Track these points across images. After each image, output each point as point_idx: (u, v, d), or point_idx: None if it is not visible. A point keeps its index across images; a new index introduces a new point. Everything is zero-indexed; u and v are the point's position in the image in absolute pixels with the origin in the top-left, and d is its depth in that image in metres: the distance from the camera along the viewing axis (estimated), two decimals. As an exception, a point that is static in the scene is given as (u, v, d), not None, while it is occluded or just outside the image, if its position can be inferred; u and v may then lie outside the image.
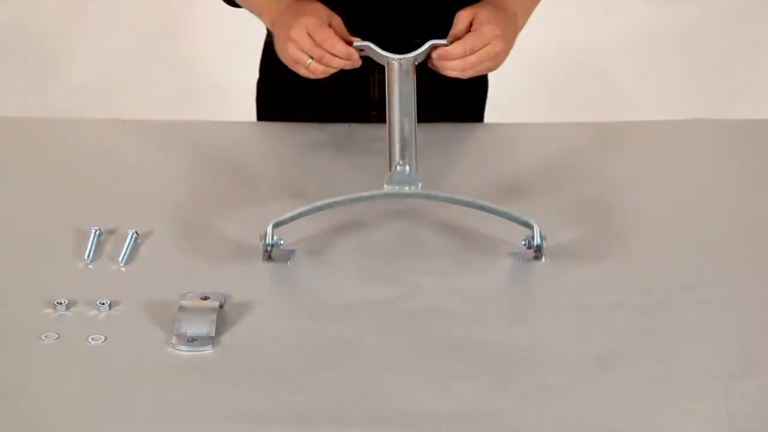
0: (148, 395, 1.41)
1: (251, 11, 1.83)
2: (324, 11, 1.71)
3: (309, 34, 1.67)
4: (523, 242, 1.59)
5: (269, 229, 1.58)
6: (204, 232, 1.69)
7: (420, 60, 1.66)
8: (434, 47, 1.64)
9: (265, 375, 1.45)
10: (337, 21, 1.70)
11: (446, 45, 1.64)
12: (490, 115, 2.02)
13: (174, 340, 1.47)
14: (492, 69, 1.71)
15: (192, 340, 1.47)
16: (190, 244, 1.66)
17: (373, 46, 1.65)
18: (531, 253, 1.59)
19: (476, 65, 1.66)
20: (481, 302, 1.56)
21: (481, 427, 1.37)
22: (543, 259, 1.56)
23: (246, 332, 1.51)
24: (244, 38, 2.26)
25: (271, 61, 2.00)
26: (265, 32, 2.00)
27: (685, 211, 1.74)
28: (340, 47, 1.66)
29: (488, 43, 1.65)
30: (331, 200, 1.61)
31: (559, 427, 1.37)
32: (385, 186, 1.62)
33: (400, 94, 1.62)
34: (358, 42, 1.67)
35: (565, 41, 3.80)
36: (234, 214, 1.73)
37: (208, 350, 1.46)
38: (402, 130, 1.62)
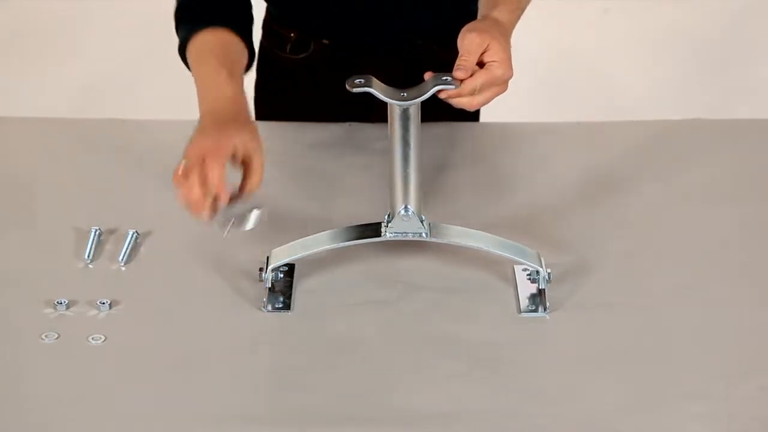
0: (148, 395, 1.41)
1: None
2: (248, 134, 1.53)
3: (203, 155, 1.49)
4: (528, 276, 1.59)
5: (269, 274, 1.54)
6: (204, 232, 1.68)
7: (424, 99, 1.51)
8: (441, 89, 1.49)
9: (265, 375, 1.45)
10: (259, 156, 1.53)
11: (453, 87, 1.48)
12: (489, 114, 2.02)
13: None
14: None
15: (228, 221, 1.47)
16: (190, 244, 1.66)
17: (373, 90, 1.48)
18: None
19: (482, 104, 1.54)
20: (481, 302, 1.56)
21: (481, 427, 1.37)
22: (548, 305, 1.55)
23: (246, 332, 1.51)
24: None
25: (267, 62, 2.00)
26: (261, 33, 2.00)
27: (684, 210, 1.74)
28: (213, 182, 1.46)
29: (497, 85, 1.52)
30: (331, 245, 1.55)
31: (559, 427, 1.37)
32: (386, 230, 1.54)
33: (402, 138, 1.50)
34: (359, 80, 1.48)
35: (565, 41, 3.80)
36: (234, 214, 1.73)
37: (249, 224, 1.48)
38: (405, 177, 1.52)
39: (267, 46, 1.99)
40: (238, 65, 1.68)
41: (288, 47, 1.94)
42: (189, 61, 1.71)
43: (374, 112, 1.93)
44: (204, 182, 1.48)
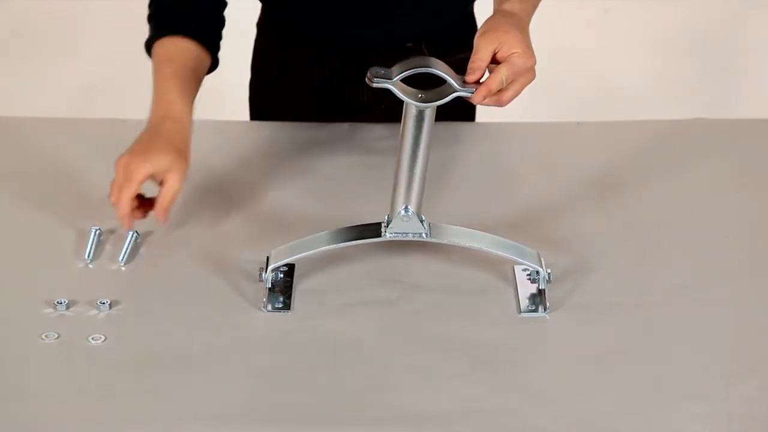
0: (148, 395, 1.41)
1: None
2: (166, 162, 1.64)
3: (123, 171, 1.63)
4: (528, 276, 1.59)
5: (269, 274, 1.55)
6: (205, 232, 1.69)
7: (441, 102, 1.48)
8: (460, 95, 1.47)
9: (265, 375, 1.45)
10: (173, 180, 1.64)
11: (471, 94, 1.46)
12: (489, 114, 2.02)
13: None
14: None
15: None
16: (189, 244, 1.66)
17: (393, 87, 1.45)
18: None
19: (513, 98, 1.51)
20: (481, 302, 1.56)
21: (481, 427, 1.37)
22: (548, 305, 1.55)
23: (246, 332, 1.51)
24: (245, 37, 2.25)
25: (262, 61, 2.00)
26: (255, 32, 2.00)
27: (684, 210, 1.74)
28: (120, 208, 1.62)
29: (522, 74, 1.50)
30: (331, 245, 1.55)
31: (559, 427, 1.37)
32: (386, 231, 1.54)
33: (414, 139, 1.49)
34: (382, 72, 1.46)
35: (565, 41, 3.80)
36: (235, 213, 1.73)
37: None
38: (410, 177, 1.51)
39: (260, 45, 1.99)
40: (194, 76, 1.76)
41: (279, 45, 1.94)
42: (152, 61, 1.79)
43: (366, 113, 1.93)
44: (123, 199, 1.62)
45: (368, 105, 1.91)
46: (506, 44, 1.49)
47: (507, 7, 1.59)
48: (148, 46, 1.79)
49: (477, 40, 1.51)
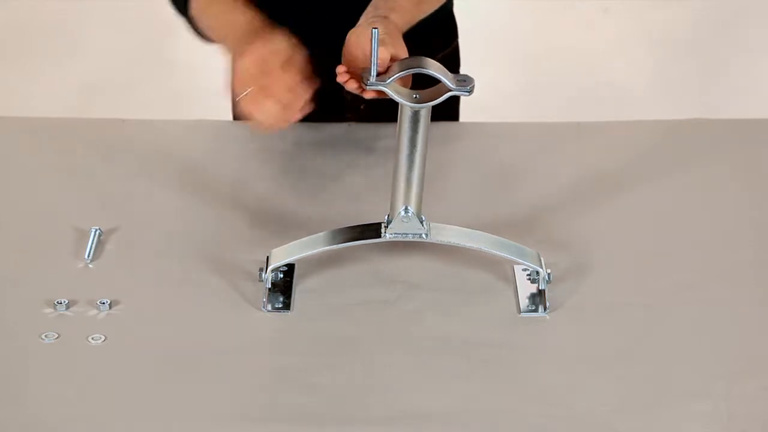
0: (148, 395, 1.41)
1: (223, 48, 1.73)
2: (284, 42, 1.58)
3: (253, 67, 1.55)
4: (528, 276, 1.59)
5: (269, 274, 1.55)
6: (205, 232, 1.69)
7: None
8: (456, 94, 1.47)
9: (265, 375, 1.45)
10: (299, 57, 1.58)
11: (467, 93, 1.46)
12: (488, 114, 2.02)
13: None
14: None
15: None
16: (190, 244, 1.66)
17: (388, 89, 1.46)
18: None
19: None
20: (481, 302, 1.56)
21: (481, 427, 1.37)
22: (548, 305, 1.55)
23: (246, 332, 1.51)
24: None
25: None
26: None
27: (684, 210, 1.74)
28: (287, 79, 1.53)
29: None
30: (331, 246, 1.56)
31: (559, 427, 1.37)
32: (386, 231, 1.55)
33: (410, 140, 1.49)
34: (374, 82, 1.47)
35: (565, 40, 3.80)
36: (235, 213, 1.73)
37: None
38: (409, 178, 1.52)
39: None
40: None
41: None
42: (195, 15, 1.75)
43: (350, 112, 1.92)
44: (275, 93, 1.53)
45: (350, 104, 1.91)
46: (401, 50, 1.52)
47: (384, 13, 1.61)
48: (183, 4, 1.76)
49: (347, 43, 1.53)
